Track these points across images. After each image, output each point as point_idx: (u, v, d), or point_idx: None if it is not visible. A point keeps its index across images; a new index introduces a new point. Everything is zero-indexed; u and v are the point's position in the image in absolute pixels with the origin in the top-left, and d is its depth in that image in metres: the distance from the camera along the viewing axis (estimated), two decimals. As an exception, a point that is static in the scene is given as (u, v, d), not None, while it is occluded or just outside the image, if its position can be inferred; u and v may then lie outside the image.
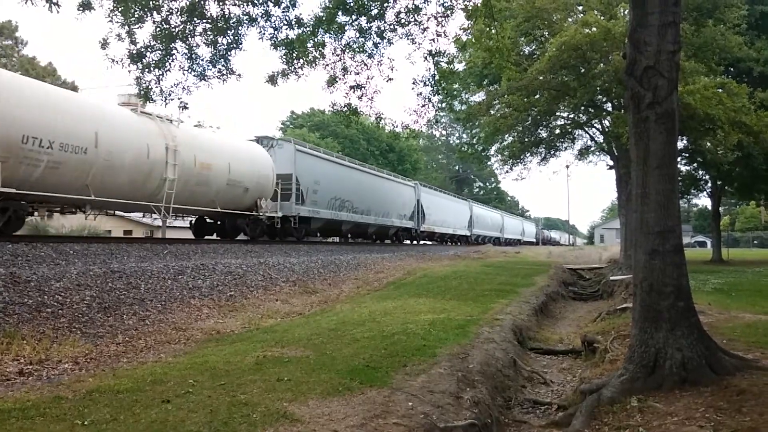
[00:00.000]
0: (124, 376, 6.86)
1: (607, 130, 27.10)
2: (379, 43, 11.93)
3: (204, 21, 10.48)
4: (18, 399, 5.86)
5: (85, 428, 5.07)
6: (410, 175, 61.87)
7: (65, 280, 11.12)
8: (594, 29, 22.13)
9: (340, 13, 11.36)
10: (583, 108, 26.89)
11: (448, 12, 11.69)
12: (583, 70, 24.03)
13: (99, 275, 11.91)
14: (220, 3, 10.50)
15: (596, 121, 28.51)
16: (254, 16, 10.94)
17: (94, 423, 5.19)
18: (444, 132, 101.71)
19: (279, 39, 11.20)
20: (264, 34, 11.15)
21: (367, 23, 11.66)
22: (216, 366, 7.43)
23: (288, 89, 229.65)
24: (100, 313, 10.57)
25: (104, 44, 10.12)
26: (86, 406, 5.66)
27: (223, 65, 10.86)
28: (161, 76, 10.63)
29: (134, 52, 10.27)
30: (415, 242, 45.17)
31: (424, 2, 11.48)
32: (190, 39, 10.51)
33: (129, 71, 10.55)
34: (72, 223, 33.47)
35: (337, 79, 12.11)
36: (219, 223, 23.83)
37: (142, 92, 10.92)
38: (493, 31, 11.53)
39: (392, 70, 12.16)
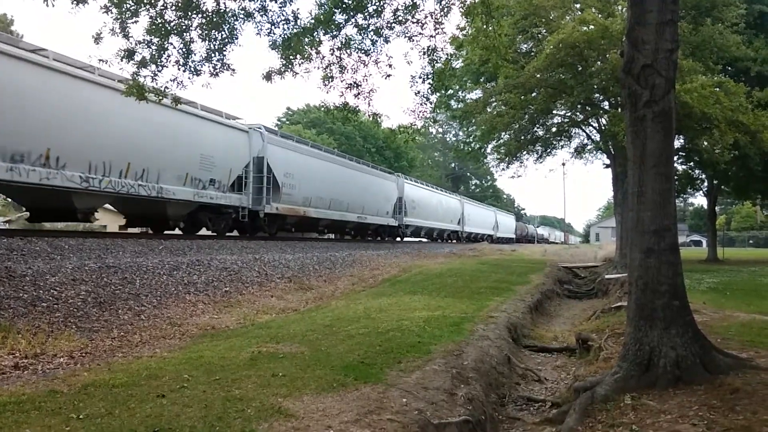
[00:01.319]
0: (120, 371, 6.86)
1: (603, 128, 27.08)
2: (377, 41, 11.92)
3: (199, 15, 10.44)
4: (13, 393, 5.85)
5: (81, 422, 5.06)
6: (406, 173, 61.53)
7: (60, 274, 11.11)
8: (591, 27, 22.12)
9: (337, 11, 11.33)
10: (579, 106, 26.87)
11: (445, 10, 11.68)
12: (580, 68, 24.03)
13: (94, 270, 11.90)
14: (216, -3, 10.48)
15: (593, 119, 28.50)
16: (250, 10, 10.91)
17: (89, 417, 5.18)
18: (440, 129, 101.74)
19: (276, 37, 11.19)
20: (261, 29, 11.14)
21: (364, 20, 11.64)
22: (211, 361, 7.42)
23: (284, 85, 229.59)
24: (96, 307, 10.56)
25: (97, 39, 10.06)
26: (81, 400, 5.65)
27: (217, 60, 10.82)
28: (157, 72, 10.59)
29: (127, 49, 10.22)
30: (264, 235, 26.18)
31: (422, -1, 11.47)
32: (185, 34, 10.48)
33: (121, 69, 10.50)
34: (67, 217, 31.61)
35: (333, 77, 12.07)
36: None
37: (136, 89, 10.85)
38: (491, 28, 11.51)
39: (390, 66, 12.14)
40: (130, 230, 21.95)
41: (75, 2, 9.52)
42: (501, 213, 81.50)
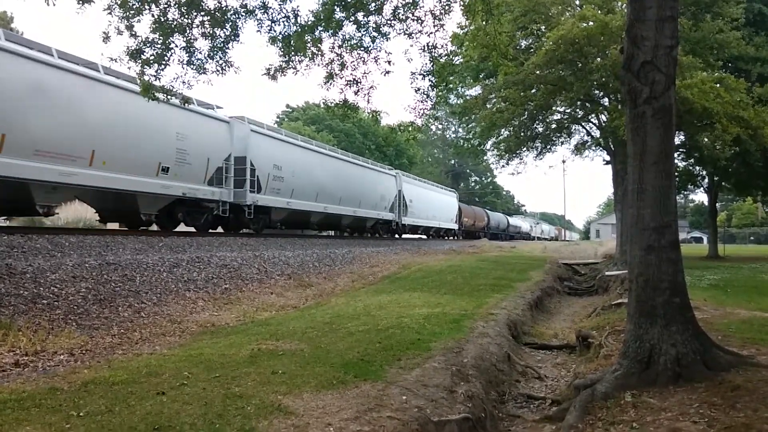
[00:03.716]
0: (120, 368, 6.86)
1: (603, 125, 27.06)
2: (377, 38, 11.90)
3: (202, 13, 10.45)
4: (14, 390, 5.86)
5: (81, 419, 5.07)
6: (407, 170, 61.48)
7: (61, 271, 11.12)
8: (591, 23, 22.08)
9: (337, 9, 11.32)
10: (579, 102, 26.83)
11: (446, 8, 11.66)
12: (579, 65, 23.97)
13: (94, 267, 11.90)
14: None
15: (593, 115, 28.46)
16: (251, 8, 10.91)
17: (90, 414, 5.19)
18: (440, 126, 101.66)
19: (276, 34, 11.20)
20: (261, 26, 11.14)
21: (364, 17, 11.63)
22: (211, 358, 7.43)
23: (285, 82, 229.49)
24: (96, 305, 10.56)
25: (106, 38, 10.07)
26: (81, 397, 5.66)
27: (221, 58, 10.83)
28: (159, 71, 10.60)
29: (133, 48, 10.23)
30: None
31: (421, -3, 11.46)
32: (188, 32, 10.48)
33: (129, 68, 10.53)
34: (67, 214, 32.04)
35: (335, 76, 12.06)
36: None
37: (144, 88, 10.89)
38: (491, 26, 11.50)
39: (389, 63, 12.13)
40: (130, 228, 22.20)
41: (81, 2, 9.52)
42: (415, 182, 46.73)
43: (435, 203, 49.54)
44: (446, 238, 53.09)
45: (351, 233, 37.83)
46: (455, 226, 54.71)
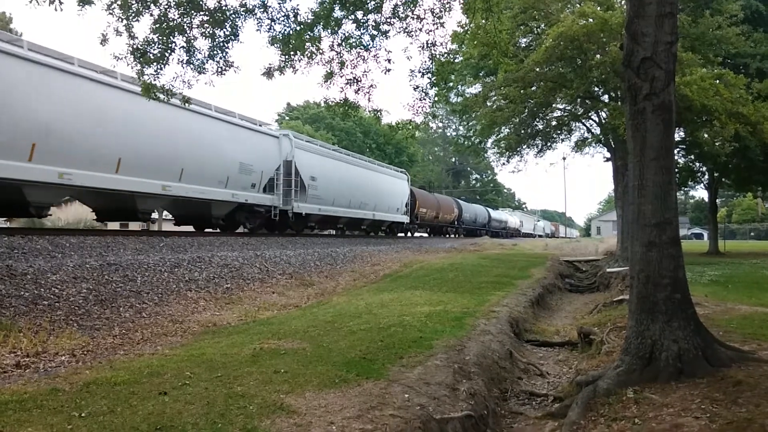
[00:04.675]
0: (121, 369, 6.85)
1: (604, 122, 27.05)
2: (376, 36, 11.90)
3: (201, 13, 10.44)
4: (15, 391, 5.85)
5: (82, 420, 5.06)
6: (407, 168, 61.48)
7: (61, 272, 11.12)
8: (591, 20, 22.07)
9: (336, 7, 11.32)
10: (579, 99, 26.81)
11: (446, 6, 11.65)
12: (579, 62, 23.95)
13: (95, 268, 11.90)
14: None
15: (593, 112, 28.45)
16: (251, 7, 10.91)
17: (91, 415, 5.18)
18: (440, 124, 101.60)
19: (276, 34, 11.19)
20: (261, 25, 11.14)
21: (363, 16, 11.63)
22: (213, 358, 7.42)
23: (285, 81, 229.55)
24: (97, 305, 10.56)
25: (103, 40, 10.05)
26: (83, 398, 5.65)
27: (221, 58, 10.82)
28: (159, 71, 10.59)
29: (136, 47, 10.22)
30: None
31: (421, -6, 11.45)
32: (188, 32, 10.47)
33: (132, 67, 10.51)
34: (68, 215, 31.74)
35: (334, 74, 12.05)
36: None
37: (144, 88, 10.88)
38: (490, 21, 11.48)
39: (389, 62, 12.11)
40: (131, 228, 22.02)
41: (81, 4, 9.50)
42: (324, 151, 31.62)
43: (364, 185, 34.31)
44: (392, 234, 41.47)
45: (198, 227, 23.13)
46: (405, 219, 41.45)
